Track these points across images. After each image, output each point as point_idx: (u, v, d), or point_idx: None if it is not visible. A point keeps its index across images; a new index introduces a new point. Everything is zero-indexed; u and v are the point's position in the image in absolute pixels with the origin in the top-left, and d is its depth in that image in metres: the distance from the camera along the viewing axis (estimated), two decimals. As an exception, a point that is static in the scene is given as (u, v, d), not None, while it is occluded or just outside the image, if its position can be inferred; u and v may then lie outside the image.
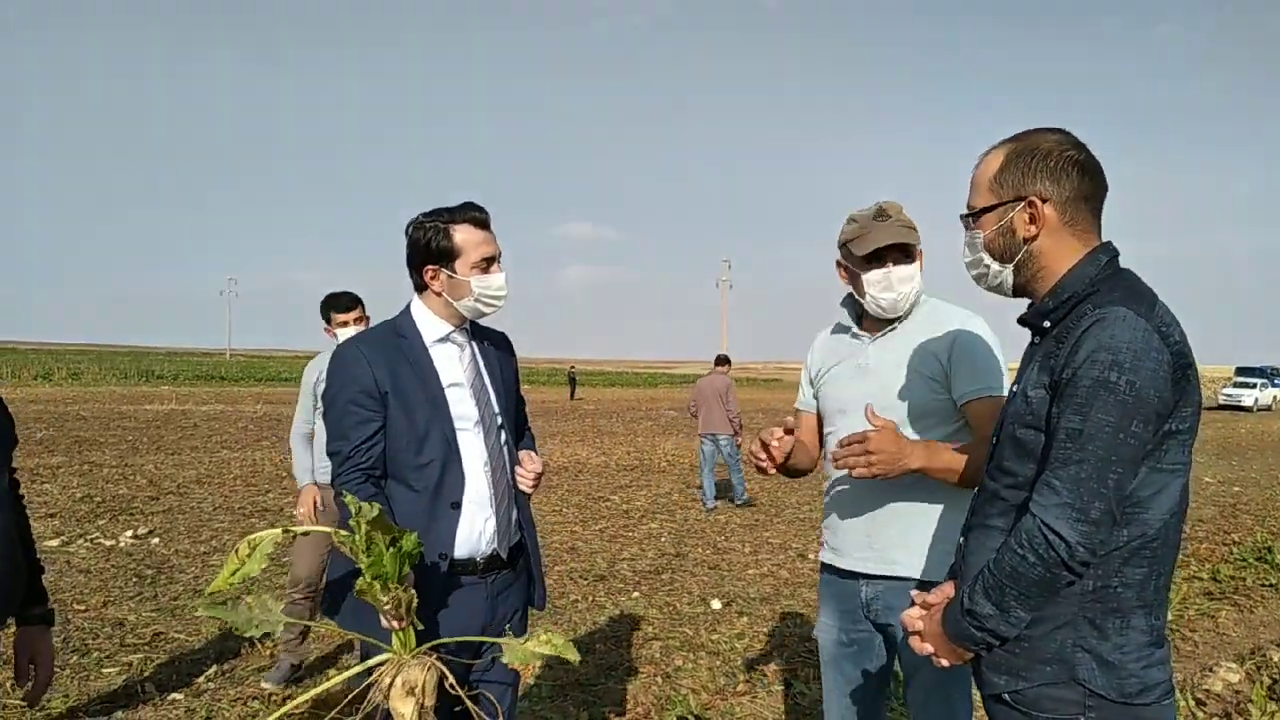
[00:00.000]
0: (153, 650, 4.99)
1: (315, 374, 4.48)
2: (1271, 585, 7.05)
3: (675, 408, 35.20)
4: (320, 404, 4.46)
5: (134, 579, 6.59)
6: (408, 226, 2.41)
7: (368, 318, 4.48)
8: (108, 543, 7.80)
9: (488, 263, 2.38)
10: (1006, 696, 1.66)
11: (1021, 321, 1.76)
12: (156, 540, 8.00)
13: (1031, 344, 1.77)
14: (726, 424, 11.02)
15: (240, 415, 23.61)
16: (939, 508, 2.34)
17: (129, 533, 8.19)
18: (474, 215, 2.39)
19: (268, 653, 4.78)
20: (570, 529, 9.19)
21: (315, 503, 4.41)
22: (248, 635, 1.79)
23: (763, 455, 2.38)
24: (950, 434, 2.35)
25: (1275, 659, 5.05)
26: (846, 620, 2.50)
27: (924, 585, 2.32)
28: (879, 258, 2.36)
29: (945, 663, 1.71)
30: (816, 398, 2.62)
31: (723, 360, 11.63)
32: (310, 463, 4.51)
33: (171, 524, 8.79)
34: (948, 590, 1.77)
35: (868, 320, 2.52)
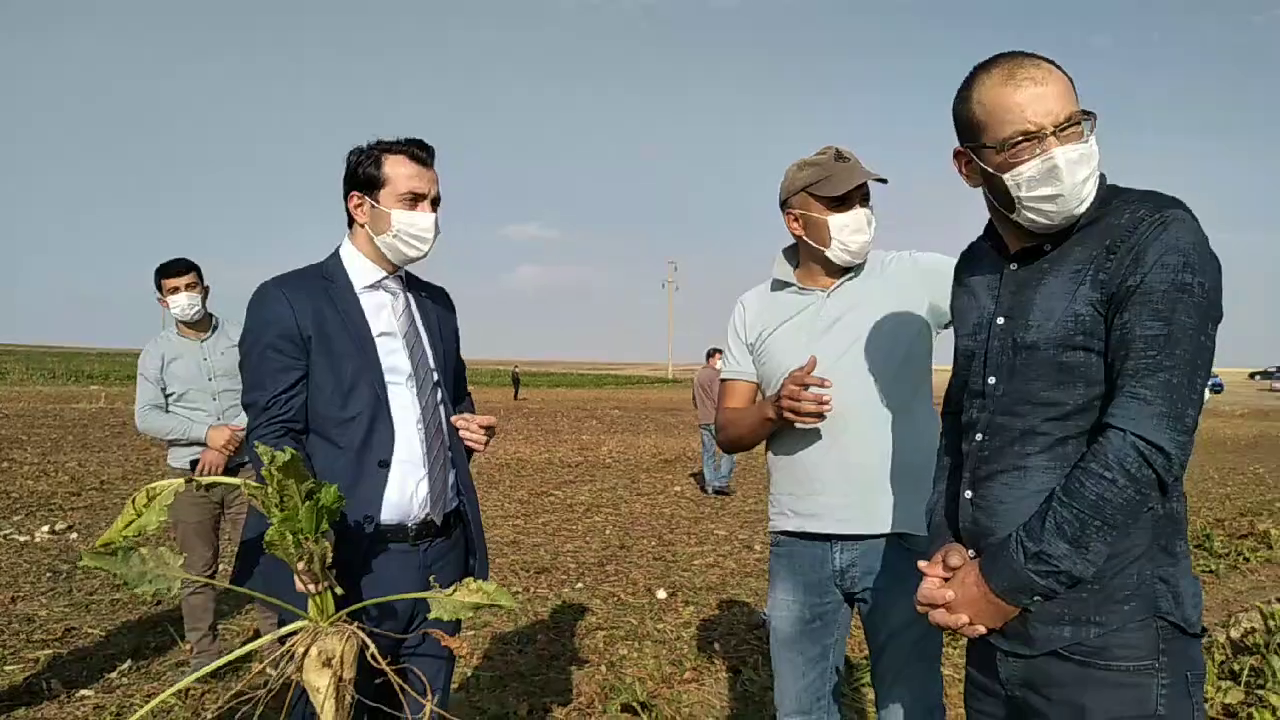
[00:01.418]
0: (63, 646, 4.67)
1: (158, 360, 4.12)
2: (1211, 571, 7.13)
3: (620, 407, 35.07)
4: (170, 387, 4.14)
5: (48, 574, 6.22)
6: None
7: (206, 287, 4.21)
8: (22, 538, 7.39)
9: (416, 199, 2.19)
10: (1062, 649, 1.51)
11: (1027, 249, 1.58)
12: (75, 535, 7.60)
13: (1008, 271, 1.62)
14: (710, 415, 11.13)
15: (172, 414, 22.84)
16: (913, 459, 2.20)
17: (46, 528, 7.77)
18: (411, 149, 2.20)
19: (187, 646, 4.50)
20: (512, 523, 8.97)
21: (230, 435, 4.00)
22: (139, 591, 1.56)
23: (809, 399, 2.11)
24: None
25: (1220, 639, 5.05)
26: (811, 594, 2.30)
27: (901, 539, 2.19)
28: (847, 200, 2.22)
29: (983, 629, 1.53)
30: (758, 364, 2.41)
31: (712, 353, 11.82)
32: (175, 419, 4.11)
33: (93, 519, 8.38)
34: (962, 552, 1.60)
35: (804, 274, 2.35)
